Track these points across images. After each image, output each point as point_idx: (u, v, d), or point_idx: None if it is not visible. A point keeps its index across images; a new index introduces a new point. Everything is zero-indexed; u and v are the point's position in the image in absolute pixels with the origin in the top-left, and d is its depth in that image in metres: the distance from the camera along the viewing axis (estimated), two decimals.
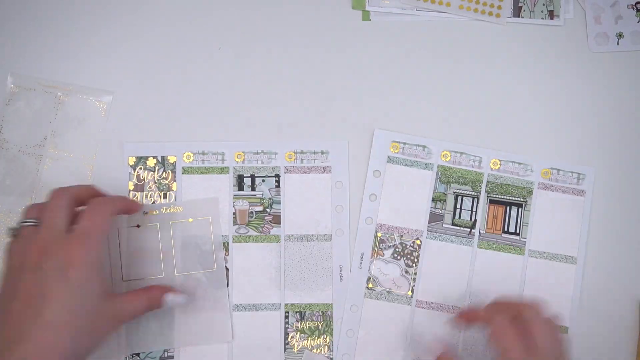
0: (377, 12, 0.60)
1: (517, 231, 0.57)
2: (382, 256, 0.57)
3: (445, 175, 0.57)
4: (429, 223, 0.57)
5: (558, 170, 0.57)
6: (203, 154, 0.58)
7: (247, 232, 0.57)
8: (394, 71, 0.59)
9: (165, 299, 0.51)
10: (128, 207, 0.52)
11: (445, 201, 0.57)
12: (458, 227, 0.57)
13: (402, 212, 0.57)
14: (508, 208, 0.57)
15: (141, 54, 0.59)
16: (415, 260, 0.57)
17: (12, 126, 0.57)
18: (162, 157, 0.58)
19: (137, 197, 0.57)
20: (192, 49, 0.59)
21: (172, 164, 0.58)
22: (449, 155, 0.58)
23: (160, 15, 0.59)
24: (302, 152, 0.58)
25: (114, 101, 0.58)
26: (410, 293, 0.56)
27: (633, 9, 0.60)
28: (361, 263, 0.56)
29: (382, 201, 0.57)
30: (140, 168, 0.57)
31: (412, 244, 0.57)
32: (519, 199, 0.57)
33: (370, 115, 0.58)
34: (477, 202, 0.57)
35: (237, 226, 0.57)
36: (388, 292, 0.56)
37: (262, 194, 0.57)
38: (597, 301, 0.56)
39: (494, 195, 0.57)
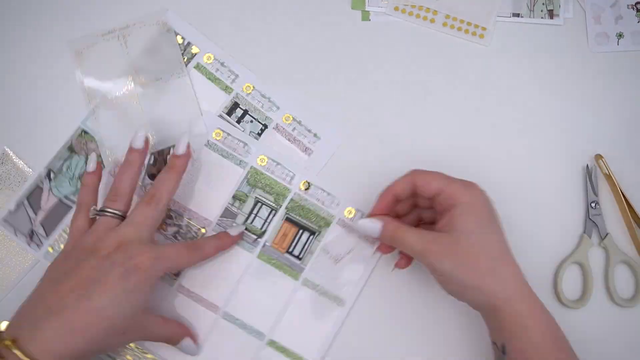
0: (377, 12, 0.60)
1: (300, 256, 0.56)
2: (165, 231, 0.56)
3: (254, 178, 0.57)
4: (220, 217, 0.56)
5: (363, 212, 0.57)
6: (222, 64, 0.59)
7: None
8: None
9: (182, 343, 0.52)
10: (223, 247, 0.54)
11: (245, 202, 0.57)
12: (247, 232, 0.56)
13: (199, 196, 0.57)
14: (301, 231, 0.57)
15: None
16: None
17: None
18: (188, 42, 0.59)
19: None
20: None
21: (193, 54, 0.59)
22: (266, 160, 0.57)
23: None
24: (299, 122, 0.58)
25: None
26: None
27: (633, 9, 0.60)
28: None
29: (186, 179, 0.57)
30: None
31: (196, 231, 0.56)
32: (314, 227, 0.57)
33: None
34: (274, 215, 0.57)
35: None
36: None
37: (243, 130, 0.58)
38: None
39: (293, 215, 0.57)
